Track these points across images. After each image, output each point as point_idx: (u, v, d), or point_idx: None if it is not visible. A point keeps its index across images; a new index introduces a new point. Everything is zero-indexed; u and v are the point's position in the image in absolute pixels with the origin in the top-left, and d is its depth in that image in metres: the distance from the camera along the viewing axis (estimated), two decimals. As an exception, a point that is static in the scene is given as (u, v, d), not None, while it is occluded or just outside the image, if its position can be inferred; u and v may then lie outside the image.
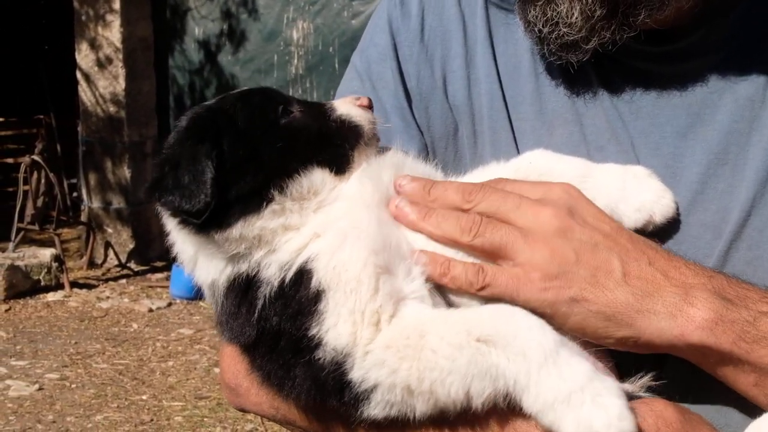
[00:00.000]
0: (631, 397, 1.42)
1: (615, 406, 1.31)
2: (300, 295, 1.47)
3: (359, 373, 1.42)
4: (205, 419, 7.00)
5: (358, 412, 1.44)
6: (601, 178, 1.63)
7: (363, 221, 1.52)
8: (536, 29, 1.63)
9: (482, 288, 1.47)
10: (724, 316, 1.43)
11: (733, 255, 1.60)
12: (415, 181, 1.60)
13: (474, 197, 1.55)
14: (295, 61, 11.28)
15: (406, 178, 1.60)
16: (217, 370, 7.95)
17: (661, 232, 1.63)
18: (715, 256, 1.60)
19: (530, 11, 1.63)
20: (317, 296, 1.46)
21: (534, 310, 1.44)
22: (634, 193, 1.61)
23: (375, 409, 1.43)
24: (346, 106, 1.64)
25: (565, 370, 1.33)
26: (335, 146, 1.60)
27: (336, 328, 1.44)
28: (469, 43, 1.84)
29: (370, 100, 1.65)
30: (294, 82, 11.24)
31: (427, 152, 1.83)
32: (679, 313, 1.43)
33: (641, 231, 1.60)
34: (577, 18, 1.58)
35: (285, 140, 1.58)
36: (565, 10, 1.58)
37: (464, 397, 1.37)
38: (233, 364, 1.66)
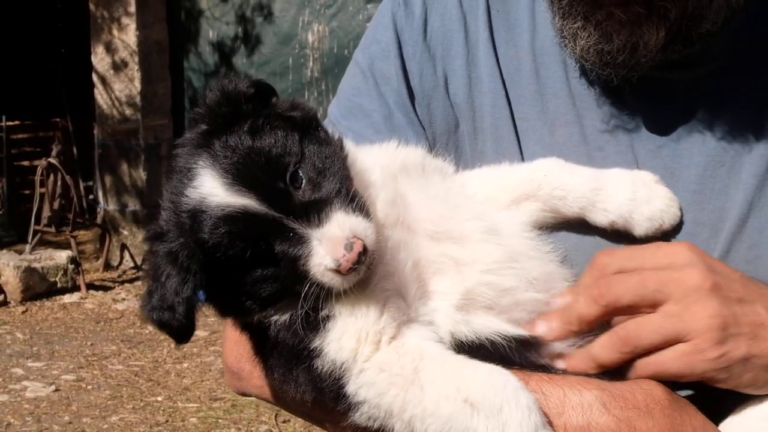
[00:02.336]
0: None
1: None
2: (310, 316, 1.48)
3: (353, 387, 1.47)
4: (220, 420, 7.01)
5: (348, 418, 1.50)
6: (612, 189, 1.66)
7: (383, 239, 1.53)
8: (597, 51, 1.63)
9: (655, 374, 1.48)
10: None
11: (734, 255, 1.64)
12: (550, 329, 1.58)
13: (605, 298, 1.52)
14: (311, 63, 11.30)
15: (540, 326, 1.58)
16: (231, 371, 7.97)
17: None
18: (715, 255, 1.63)
19: (612, 40, 1.61)
20: (327, 317, 1.49)
21: (709, 381, 1.46)
22: (645, 202, 1.65)
23: (361, 418, 1.48)
24: (322, 259, 1.43)
25: None
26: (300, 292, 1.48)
27: (339, 342, 1.47)
28: (470, 43, 1.87)
29: (359, 255, 1.42)
30: (309, 84, 11.26)
31: (430, 147, 1.85)
32: None
33: (651, 237, 1.64)
34: (655, 44, 1.60)
35: (252, 284, 1.48)
36: (653, 40, 1.59)
37: None
38: (235, 348, 1.68)
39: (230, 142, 1.46)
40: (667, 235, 1.67)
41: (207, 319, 1.58)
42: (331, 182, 1.48)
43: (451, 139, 1.88)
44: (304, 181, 1.47)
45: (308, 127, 1.56)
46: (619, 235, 1.69)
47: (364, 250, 1.41)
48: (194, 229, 1.44)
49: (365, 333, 1.47)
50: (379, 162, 1.66)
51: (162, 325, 1.48)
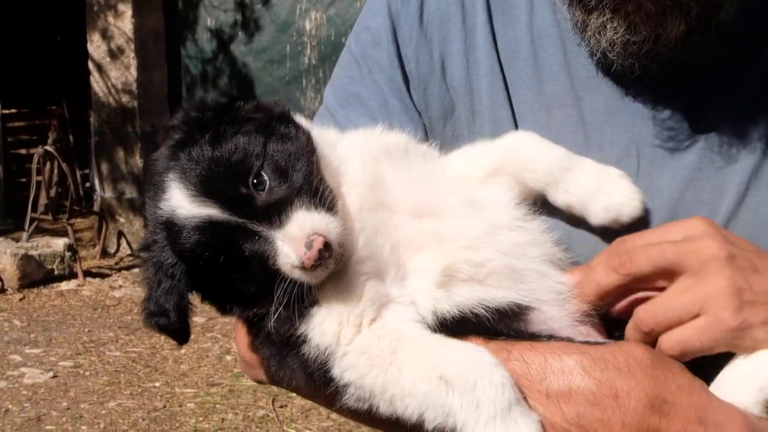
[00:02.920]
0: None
1: None
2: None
3: (338, 371, 1.51)
4: (217, 406, 7.04)
5: (339, 401, 1.54)
6: (579, 174, 1.69)
7: (353, 234, 1.56)
8: (623, 42, 1.65)
9: (682, 355, 1.49)
10: None
11: (731, 233, 1.63)
12: (575, 286, 1.62)
13: (626, 267, 1.54)
14: (308, 51, 11.29)
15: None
16: (228, 357, 8.01)
17: (657, 208, 1.69)
18: None
19: (639, 31, 1.63)
20: (310, 305, 1.53)
21: (737, 344, 1.46)
22: (606, 193, 1.67)
23: (350, 400, 1.52)
24: (287, 258, 1.47)
25: (511, 428, 1.39)
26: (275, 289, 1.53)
27: (322, 327, 1.51)
28: (468, 26, 1.87)
29: (319, 252, 1.45)
30: (307, 72, 11.25)
31: (425, 132, 1.87)
32: None
33: (608, 229, 1.67)
34: (675, 36, 1.62)
35: (234, 285, 1.54)
36: (673, 32, 1.61)
37: (418, 417, 1.46)
38: (245, 338, 1.70)
39: (193, 154, 1.52)
40: (664, 210, 1.69)
41: (204, 306, 1.62)
42: (294, 180, 1.52)
43: (447, 123, 1.89)
44: (267, 183, 1.50)
45: (274, 126, 1.59)
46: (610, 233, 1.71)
47: (327, 245, 1.45)
48: (171, 239, 1.51)
49: (346, 317, 1.50)
50: (360, 148, 1.68)
51: (160, 329, 1.58)
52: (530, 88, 1.82)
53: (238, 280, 1.52)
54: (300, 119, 1.69)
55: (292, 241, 1.46)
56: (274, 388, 7.18)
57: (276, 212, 1.47)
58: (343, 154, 1.66)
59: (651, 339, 1.52)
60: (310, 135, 1.63)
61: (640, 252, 1.53)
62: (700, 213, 1.66)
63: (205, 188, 1.48)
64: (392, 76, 1.89)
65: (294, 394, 7.00)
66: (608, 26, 1.65)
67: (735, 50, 1.72)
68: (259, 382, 1.83)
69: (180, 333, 1.58)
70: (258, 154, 1.52)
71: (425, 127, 1.89)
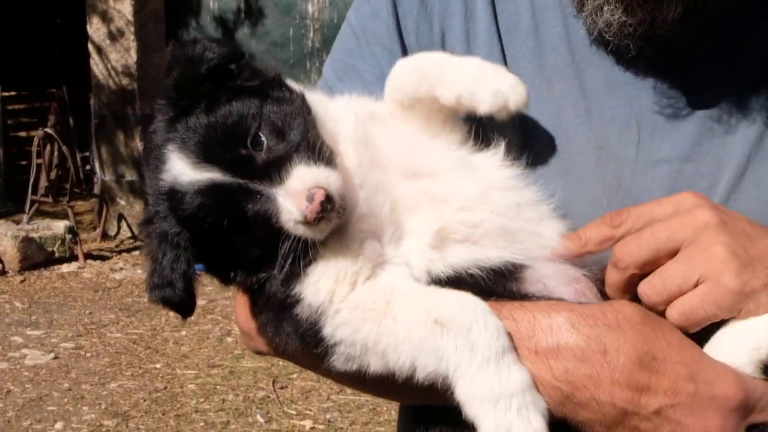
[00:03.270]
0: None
1: (538, 422, 1.39)
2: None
3: (329, 329, 1.51)
4: (218, 387, 7.08)
5: (327, 363, 1.54)
6: (461, 67, 1.68)
7: (353, 190, 1.56)
8: (620, 24, 1.66)
9: (687, 325, 1.48)
10: None
11: (730, 206, 1.64)
12: (566, 242, 1.63)
13: (624, 262, 1.54)
14: (311, 34, 11.28)
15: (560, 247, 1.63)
16: (229, 339, 8.05)
17: (658, 180, 1.70)
18: None
19: (636, 13, 1.64)
20: (308, 265, 1.53)
21: (741, 308, 1.45)
22: (491, 81, 1.65)
23: (338, 361, 1.53)
24: (289, 214, 1.48)
25: (504, 373, 1.40)
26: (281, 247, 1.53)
27: (317, 285, 1.52)
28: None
29: (321, 204, 1.46)
30: (311, 55, 11.24)
31: None
32: None
33: (495, 119, 1.67)
34: (672, 18, 1.62)
35: (239, 249, 1.55)
36: (670, 15, 1.62)
37: (410, 366, 1.46)
38: (245, 309, 1.71)
39: (190, 124, 1.53)
40: (663, 181, 1.70)
41: (204, 288, 1.63)
42: (291, 138, 1.53)
43: None
44: (265, 143, 1.52)
45: (268, 90, 1.61)
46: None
47: (328, 198, 1.46)
48: (174, 208, 1.52)
49: (343, 273, 1.51)
50: (352, 108, 1.70)
51: (165, 302, 1.56)
52: (530, 62, 1.82)
53: (242, 243, 1.53)
54: (293, 84, 1.70)
55: (294, 196, 1.46)
56: (275, 370, 7.23)
57: (276, 170, 1.49)
58: (337, 116, 1.67)
59: (661, 310, 1.51)
60: (303, 97, 1.64)
61: (632, 242, 1.53)
62: (701, 185, 1.68)
63: (205, 153, 1.50)
64: (391, 49, 1.90)
65: (294, 375, 7.08)
66: (605, 8, 1.66)
67: (734, 26, 1.72)
68: (259, 353, 1.84)
69: (186, 304, 1.57)
70: (254, 115, 1.53)
71: None
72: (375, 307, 1.49)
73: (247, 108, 1.54)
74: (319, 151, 1.51)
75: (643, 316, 1.46)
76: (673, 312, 1.48)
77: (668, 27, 1.64)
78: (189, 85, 1.57)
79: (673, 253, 1.50)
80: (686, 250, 1.49)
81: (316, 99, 1.70)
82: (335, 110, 1.70)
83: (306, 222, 1.46)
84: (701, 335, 1.51)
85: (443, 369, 1.43)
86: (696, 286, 1.47)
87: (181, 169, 1.50)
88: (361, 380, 1.56)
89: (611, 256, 1.57)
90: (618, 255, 1.54)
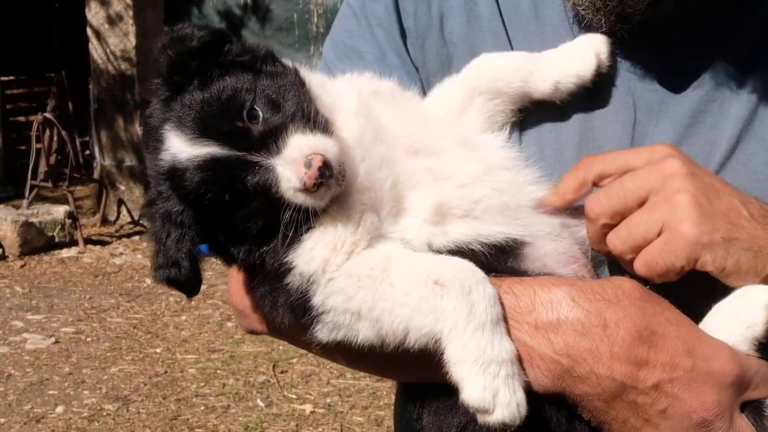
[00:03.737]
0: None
1: (520, 393, 1.41)
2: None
3: (320, 297, 1.51)
4: (218, 371, 7.11)
5: (310, 333, 1.54)
6: (543, 57, 1.75)
7: (355, 161, 1.57)
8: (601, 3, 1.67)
9: (651, 276, 1.49)
10: None
11: None
12: (548, 198, 1.65)
13: (594, 212, 1.56)
14: (315, 19, 11.23)
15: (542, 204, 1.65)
16: (229, 324, 8.07)
17: None
18: None
19: None
20: (304, 233, 1.53)
21: (698, 258, 1.47)
22: (568, 50, 1.74)
23: (323, 331, 1.53)
24: (288, 182, 1.48)
25: (497, 340, 1.42)
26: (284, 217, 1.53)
27: (311, 253, 1.52)
28: None
29: (319, 170, 1.46)
30: (315, 39, 11.19)
31: (422, 87, 1.87)
32: None
33: (597, 73, 1.73)
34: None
35: (241, 223, 1.55)
36: None
37: (404, 330, 1.47)
38: (240, 287, 1.72)
39: (185, 101, 1.54)
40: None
41: (205, 273, 1.63)
42: (286, 109, 1.54)
43: (444, 78, 1.89)
44: (261, 115, 1.53)
45: (261, 65, 1.62)
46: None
47: (326, 164, 1.46)
48: (175, 186, 1.53)
49: (341, 242, 1.52)
50: (354, 86, 1.71)
51: (171, 282, 1.57)
52: (531, 44, 1.83)
53: (244, 216, 1.53)
54: (286, 60, 1.71)
55: (291, 164, 1.47)
56: (275, 354, 7.25)
57: (273, 140, 1.49)
58: (336, 92, 1.69)
59: (630, 259, 1.53)
60: (297, 71, 1.65)
61: (603, 194, 1.55)
62: None
63: (203, 129, 1.50)
64: (390, 30, 1.90)
65: (295, 360, 7.10)
66: None
67: (729, 6, 1.73)
68: (253, 332, 1.84)
69: (192, 283, 1.58)
70: (248, 89, 1.55)
71: (422, 81, 1.89)
72: (372, 274, 1.50)
73: (240, 82, 1.55)
74: (314, 120, 1.52)
75: (642, 291, 1.47)
76: (638, 264, 1.50)
77: (639, 7, 1.64)
78: (182, 61, 1.57)
79: (641, 203, 1.51)
80: (652, 199, 1.50)
81: (313, 76, 1.71)
82: (336, 87, 1.71)
83: (305, 189, 1.46)
84: (697, 314, 1.52)
85: (438, 329, 1.44)
86: (659, 235, 1.48)
87: (180, 146, 1.51)
88: (342, 352, 1.56)
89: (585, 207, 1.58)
90: (588, 206, 1.56)
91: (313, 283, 1.51)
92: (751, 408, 1.47)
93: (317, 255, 1.52)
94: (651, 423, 1.44)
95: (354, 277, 1.50)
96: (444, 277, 1.45)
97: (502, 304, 1.47)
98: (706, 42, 1.73)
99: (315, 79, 1.70)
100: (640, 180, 1.52)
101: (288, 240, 1.51)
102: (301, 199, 1.48)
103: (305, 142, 1.49)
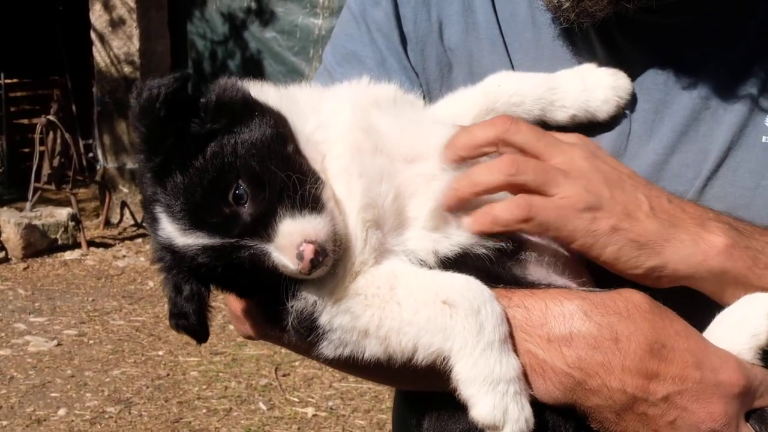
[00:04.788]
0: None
1: (528, 408, 1.43)
2: None
3: (326, 318, 1.52)
4: (221, 374, 7.10)
5: (317, 350, 1.55)
6: (565, 86, 1.74)
7: (353, 178, 1.56)
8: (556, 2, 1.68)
9: (528, 219, 1.51)
10: (738, 242, 1.53)
11: (707, 191, 1.69)
12: (446, 150, 1.62)
13: (510, 126, 1.58)
14: (320, 21, 11.23)
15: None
16: (231, 327, 8.05)
17: (644, 170, 1.71)
18: (691, 192, 1.69)
19: None
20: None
21: (577, 241, 1.52)
22: (596, 87, 1.73)
23: (329, 347, 1.54)
24: (285, 268, 1.49)
25: (504, 358, 1.43)
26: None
27: (320, 282, 1.53)
28: None
29: (313, 258, 1.46)
30: (317, 42, 11.19)
31: (423, 94, 1.86)
32: (702, 241, 1.52)
33: (614, 117, 1.74)
34: None
35: (245, 283, 1.59)
36: None
37: (412, 348, 1.48)
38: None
39: (169, 187, 1.52)
40: (651, 172, 1.71)
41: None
42: (272, 184, 1.50)
43: (444, 84, 1.90)
44: (247, 195, 1.50)
45: (237, 124, 1.56)
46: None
47: (319, 251, 1.46)
48: (176, 262, 1.56)
49: (350, 264, 1.52)
50: (349, 98, 1.69)
51: (181, 329, 1.63)
52: (528, 51, 1.83)
53: (245, 279, 1.55)
54: (267, 92, 1.65)
55: (284, 252, 1.47)
56: (277, 357, 7.25)
57: (262, 227, 1.48)
58: (331, 107, 1.66)
59: (513, 191, 1.55)
60: (279, 115, 1.60)
61: (529, 165, 1.56)
62: (686, 175, 1.70)
63: (191, 219, 1.50)
64: (390, 36, 1.90)
65: (297, 363, 7.10)
66: None
67: (722, 13, 1.72)
68: (249, 337, 1.86)
69: (198, 333, 1.63)
70: (231, 167, 1.51)
71: (422, 88, 1.89)
72: (378, 293, 1.50)
73: (221, 159, 1.52)
74: (303, 195, 1.49)
75: (651, 305, 1.48)
76: (527, 204, 1.51)
77: (601, 5, 1.63)
78: (156, 139, 1.55)
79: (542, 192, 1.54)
80: (559, 161, 1.55)
81: (303, 93, 1.69)
82: (330, 100, 1.68)
83: (302, 272, 1.47)
84: (700, 324, 1.53)
85: (447, 348, 1.45)
86: (543, 189, 1.52)
87: (172, 233, 1.51)
88: (349, 365, 1.57)
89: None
90: (502, 125, 1.58)
91: (320, 306, 1.52)
92: (755, 416, 1.48)
93: (326, 283, 1.52)
94: None
95: (361, 296, 1.51)
96: (452, 296, 1.45)
97: (509, 320, 1.47)
98: (705, 44, 1.73)
99: (305, 97, 1.67)
100: (554, 148, 1.56)
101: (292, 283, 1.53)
102: (300, 276, 1.49)
103: (295, 228, 1.47)
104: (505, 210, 1.53)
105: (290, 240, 1.46)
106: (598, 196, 1.52)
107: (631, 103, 1.75)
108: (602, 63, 1.78)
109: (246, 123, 1.56)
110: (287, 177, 1.50)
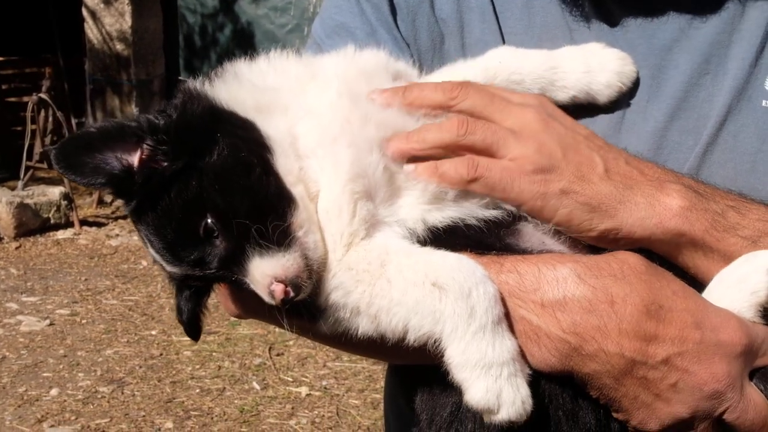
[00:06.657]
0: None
1: (525, 389, 1.40)
2: None
3: (323, 295, 1.50)
4: (214, 354, 7.09)
5: (314, 329, 1.54)
6: (567, 66, 1.71)
7: (341, 148, 1.53)
8: None
9: (475, 179, 1.50)
10: (696, 204, 1.50)
11: (708, 157, 1.65)
12: (386, 91, 1.60)
13: (457, 93, 1.57)
14: (314, -1, 11.17)
15: (375, 91, 1.60)
16: (225, 306, 8.03)
17: (644, 139, 1.69)
18: (692, 159, 1.66)
19: None
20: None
21: (525, 203, 1.50)
22: (599, 70, 1.69)
23: (325, 326, 1.52)
24: (263, 295, 1.49)
25: (498, 341, 1.40)
26: None
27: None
28: None
29: (283, 299, 1.46)
30: (310, 20, 11.11)
31: (414, 64, 1.83)
32: (657, 203, 1.50)
33: (615, 101, 1.71)
34: None
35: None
36: None
37: (402, 329, 1.45)
38: None
39: (146, 227, 1.55)
40: (650, 140, 1.68)
41: None
42: (240, 215, 1.49)
43: (436, 55, 1.86)
44: (218, 229, 1.50)
45: (203, 155, 1.53)
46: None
47: (289, 289, 1.46)
48: (170, 277, 1.62)
49: (339, 235, 1.50)
50: (336, 72, 1.65)
51: (180, 322, 1.69)
52: (519, 20, 1.80)
53: (239, 284, 1.56)
54: (242, 87, 1.61)
55: (257, 288, 1.48)
56: (271, 337, 7.23)
57: (234, 264, 1.50)
58: (317, 85, 1.63)
59: (459, 152, 1.54)
60: (248, 126, 1.56)
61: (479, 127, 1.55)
62: (687, 142, 1.67)
63: (171, 255, 1.54)
64: (379, 7, 1.86)
65: (291, 342, 7.08)
66: None
67: None
68: (239, 317, 1.84)
69: (190, 332, 1.69)
70: (196, 206, 1.50)
71: (414, 58, 1.86)
72: (369, 268, 1.47)
73: (185, 198, 1.51)
74: (270, 234, 1.47)
75: (646, 265, 1.44)
76: (474, 164, 1.51)
77: None
78: (121, 189, 1.57)
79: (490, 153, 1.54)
80: (510, 124, 1.55)
81: (290, 78, 1.65)
82: (317, 76, 1.65)
83: (278, 296, 1.47)
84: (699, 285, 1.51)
85: (437, 332, 1.42)
86: (491, 150, 1.52)
87: (159, 259, 1.56)
88: (345, 342, 1.54)
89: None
90: (450, 91, 1.58)
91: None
92: (759, 375, 1.45)
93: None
94: (662, 398, 1.41)
95: (353, 271, 1.48)
96: (442, 278, 1.42)
97: (503, 300, 1.44)
98: (694, 11, 1.69)
99: (292, 79, 1.64)
100: (506, 109, 1.55)
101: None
102: (267, 299, 1.49)
103: (263, 269, 1.47)
104: (451, 168, 1.51)
105: (261, 278, 1.47)
106: (549, 158, 1.50)
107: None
108: (595, 29, 1.75)
109: (210, 151, 1.53)
110: (253, 210, 1.49)
